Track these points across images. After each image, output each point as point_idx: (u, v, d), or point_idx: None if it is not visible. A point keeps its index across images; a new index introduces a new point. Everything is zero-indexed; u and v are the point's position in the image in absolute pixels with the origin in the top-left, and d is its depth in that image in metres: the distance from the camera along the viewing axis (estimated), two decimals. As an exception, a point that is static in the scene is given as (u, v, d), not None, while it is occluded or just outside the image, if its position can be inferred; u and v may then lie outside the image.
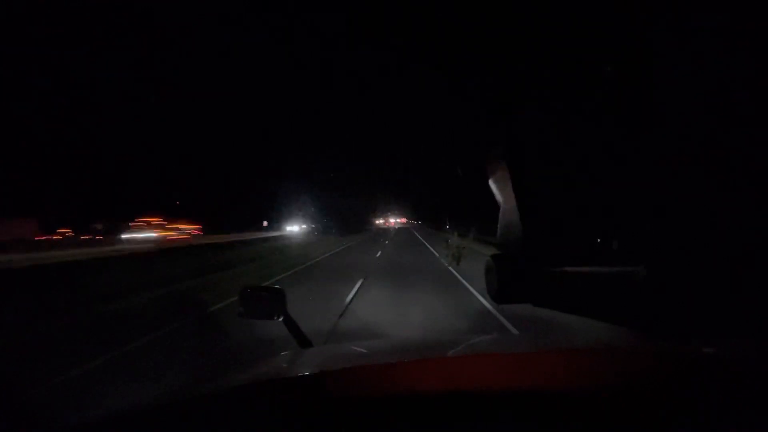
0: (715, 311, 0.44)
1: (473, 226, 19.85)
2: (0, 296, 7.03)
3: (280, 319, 1.11)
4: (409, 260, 11.58)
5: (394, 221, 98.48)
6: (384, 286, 7.19)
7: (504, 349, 0.96)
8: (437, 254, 12.95)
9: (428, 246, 17.29)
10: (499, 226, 0.75)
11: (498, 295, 0.71)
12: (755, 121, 0.41)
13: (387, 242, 22.04)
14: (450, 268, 9.23)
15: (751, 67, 0.41)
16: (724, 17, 0.42)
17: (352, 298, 6.04)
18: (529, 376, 0.60)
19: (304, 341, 1.09)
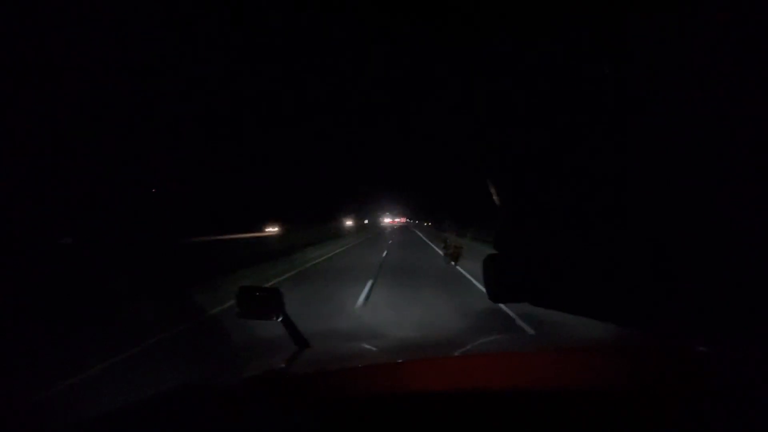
0: (715, 311, 0.44)
1: (471, 226, 19.88)
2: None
3: (279, 319, 1.11)
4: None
5: (393, 220, 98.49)
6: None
7: (504, 348, 0.96)
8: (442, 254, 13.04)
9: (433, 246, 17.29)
10: (497, 226, 0.75)
11: (495, 293, 0.71)
12: (755, 120, 0.41)
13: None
14: (450, 265, 9.28)
15: (750, 65, 0.41)
16: (721, 16, 0.41)
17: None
18: (529, 376, 0.60)
19: (302, 341, 1.09)
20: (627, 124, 0.54)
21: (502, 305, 5.09)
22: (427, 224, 71.08)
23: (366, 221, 72.99)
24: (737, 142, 0.43)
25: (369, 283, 6.78)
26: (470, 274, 7.89)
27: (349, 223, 43.85)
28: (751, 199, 0.42)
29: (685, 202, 0.48)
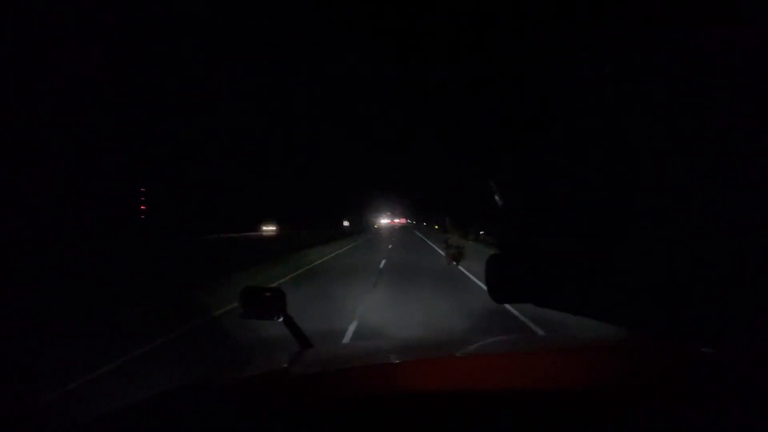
0: (715, 311, 0.44)
1: (472, 227, 19.83)
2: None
3: (280, 319, 1.11)
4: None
5: (392, 221, 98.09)
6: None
7: (504, 349, 0.96)
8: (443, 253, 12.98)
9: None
10: (499, 226, 0.75)
11: (497, 294, 0.71)
12: (755, 121, 0.41)
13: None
14: (451, 265, 9.40)
15: (750, 66, 0.41)
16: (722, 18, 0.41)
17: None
18: (530, 376, 0.60)
19: (304, 341, 1.09)
20: (629, 124, 0.54)
21: (509, 307, 5.08)
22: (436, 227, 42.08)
23: (347, 223, 51.76)
24: (737, 143, 0.43)
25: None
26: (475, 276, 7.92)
27: (268, 228, 30.87)
28: (752, 198, 0.42)
29: (687, 202, 0.48)
